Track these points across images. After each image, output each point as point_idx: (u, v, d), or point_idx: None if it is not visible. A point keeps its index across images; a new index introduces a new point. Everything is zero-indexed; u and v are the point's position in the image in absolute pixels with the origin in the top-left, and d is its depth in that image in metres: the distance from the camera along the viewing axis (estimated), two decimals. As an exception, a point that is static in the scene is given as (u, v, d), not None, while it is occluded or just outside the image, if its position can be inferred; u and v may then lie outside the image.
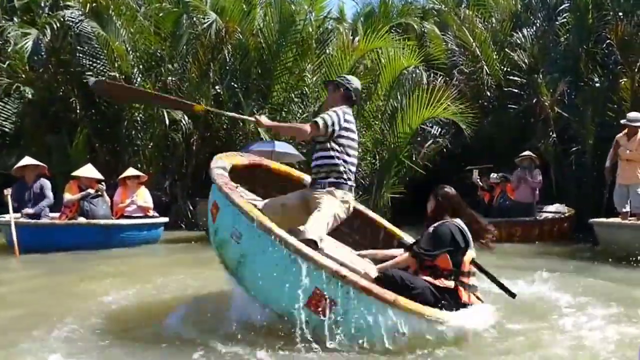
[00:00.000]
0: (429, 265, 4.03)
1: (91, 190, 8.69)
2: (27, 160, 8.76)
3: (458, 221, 4.17)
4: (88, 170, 8.87)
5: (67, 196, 8.60)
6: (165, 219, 9.64)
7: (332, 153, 4.22)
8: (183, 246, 9.48)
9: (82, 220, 8.48)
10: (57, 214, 8.75)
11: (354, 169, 4.33)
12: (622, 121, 8.61)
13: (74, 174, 8.81)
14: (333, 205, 4.14)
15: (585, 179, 11.57)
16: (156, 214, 9.57)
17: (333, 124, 4.19)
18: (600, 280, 6.11)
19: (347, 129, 4.28)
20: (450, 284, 4.00)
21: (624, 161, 8.36)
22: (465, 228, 4.15)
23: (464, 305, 3.96)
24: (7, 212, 8.08)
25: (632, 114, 8.66)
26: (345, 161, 4.25)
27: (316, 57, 12.73)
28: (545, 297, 5.11)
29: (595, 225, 8.41)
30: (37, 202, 8.54)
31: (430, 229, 4.15)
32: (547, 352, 3.59)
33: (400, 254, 4.27)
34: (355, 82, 4.54)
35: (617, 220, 8.23)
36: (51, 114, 12.03)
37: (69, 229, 8.31)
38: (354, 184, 4.33)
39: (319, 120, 4.21)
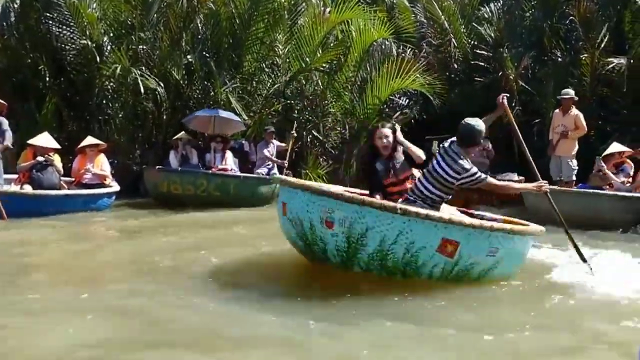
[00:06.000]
0: None
1: (40, 158, 8.70)
2: None
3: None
4: (44, 139, 8.89)
5: (20, 164, 8.72)
6: (115, 189, 9.50)
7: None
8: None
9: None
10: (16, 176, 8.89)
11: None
12: (558, 97, 9.57)
13: (29, 141, 8.85)
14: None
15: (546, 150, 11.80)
16: (113, 183, 9.55)
17: None
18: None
19: None
20: None
21: (559, 135, 9.31)
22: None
23: None
24: None
25: (565, 90, 9.62)
26: None
27: (288, 27, 12.65)
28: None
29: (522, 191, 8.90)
30: None
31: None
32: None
33: None
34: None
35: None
36: (18, 82, 11.72)
37: None
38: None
39: None
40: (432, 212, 4.37)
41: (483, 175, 4.70)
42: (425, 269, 4.39)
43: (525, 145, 5.55)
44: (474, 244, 4.44)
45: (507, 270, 4.87)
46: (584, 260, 5.16)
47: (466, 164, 4.66)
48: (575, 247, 5.28)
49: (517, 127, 5.51)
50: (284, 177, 5.78)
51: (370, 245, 4.27)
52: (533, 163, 5.43)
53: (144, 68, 11.55)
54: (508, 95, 5.58)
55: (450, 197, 4.89)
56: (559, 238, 6.07)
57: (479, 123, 4.84)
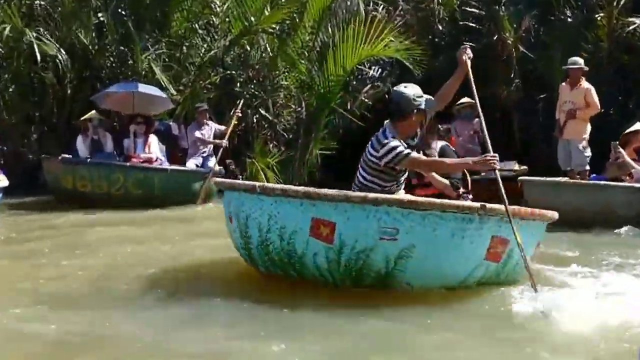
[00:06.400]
0: None
1: None
2: None
3: None
4: None
5: None
6: (3, 184, 8.67)
7: None
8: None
9: None
10: None
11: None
12: (563, 67, 8.98)
13: None
14: None
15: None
16: (1, 176, 8.81)
17: None
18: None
19: None
20: None
21: (566, 113, 8.65)
22: None
23: None
24: None
25: (573, 58, 8.93)
26: None
27: (227, -23, 11.71)
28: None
29: (524, 183, 8.45)
30: None
31: None
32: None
33: None
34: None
35: (544, 178, 8.41)
36: None
37: None
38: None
39: None
40: (289, 187, 4.29)
41: (406, 151, 4.40)
42: (308, 260, 4.12)
43: (482, 115, 4.85)
44: (355, 224, 4.04)
45: (442, 268, 4.20)
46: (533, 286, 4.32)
47: (385, 139, 4.42)
48: (521, 252, 4.47)
49: (475, 91, 4.77)
50: (223, 180, 5.92)
51: (253, 237, 4.24)
52: (487, 133, 4.83)
53: (41, 29, 10.55)
54: (469, 45, 5.04)
55: (394, 184, 4.55)
56: (577, 237, 6.08)
57: (407, 89, 4.44)
